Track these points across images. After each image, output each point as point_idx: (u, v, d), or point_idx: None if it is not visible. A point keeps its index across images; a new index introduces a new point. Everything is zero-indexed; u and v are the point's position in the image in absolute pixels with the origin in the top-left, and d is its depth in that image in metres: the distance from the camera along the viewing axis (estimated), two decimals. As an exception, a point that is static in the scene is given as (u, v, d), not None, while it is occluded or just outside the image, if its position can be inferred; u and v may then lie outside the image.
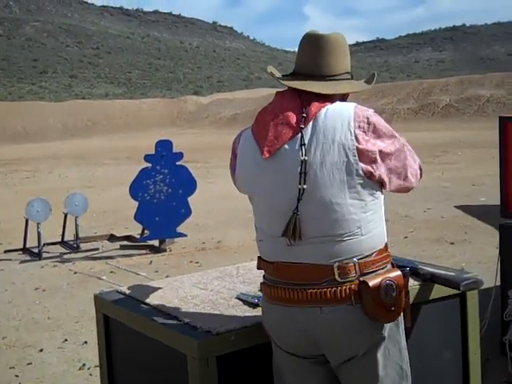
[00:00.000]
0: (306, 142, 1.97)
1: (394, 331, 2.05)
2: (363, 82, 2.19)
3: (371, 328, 1.99)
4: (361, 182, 1.96)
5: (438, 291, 2.50)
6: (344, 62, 2.11)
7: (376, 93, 48.87)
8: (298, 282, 1.99)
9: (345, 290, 1.95)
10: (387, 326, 2.02)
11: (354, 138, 1.94)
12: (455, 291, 2.47)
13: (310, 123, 1.99)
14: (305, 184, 1.95)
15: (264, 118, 2.07)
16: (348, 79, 2.12)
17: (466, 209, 10.12)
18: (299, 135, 1.98)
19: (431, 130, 33.95)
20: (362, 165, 1.94)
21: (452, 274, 2.53)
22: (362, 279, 1.96)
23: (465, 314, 2.60)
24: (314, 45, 2.07)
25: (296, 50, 2.18)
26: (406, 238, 8.34)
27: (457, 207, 10.32)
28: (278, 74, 2.15)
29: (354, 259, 1.97)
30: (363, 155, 1.95)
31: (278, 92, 2.13)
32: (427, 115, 43.11)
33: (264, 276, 2.14)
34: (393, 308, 1.97)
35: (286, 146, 1.99)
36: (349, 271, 1.96)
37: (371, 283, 1.94)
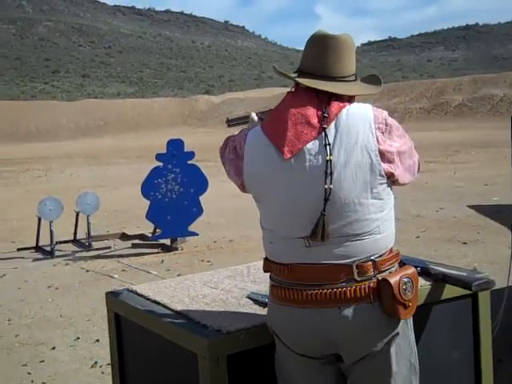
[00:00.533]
0: (331, 142, 1.97)
1: (405, 327, 2.07)
2: (372, 85, 2.18)
3: (388, 325, 2.01)
4: (382, 181, 2.00)
5: (450, 291, 2.48)
6: (352, 63, 2.12)
7: (388, 92, 48.70)
8: (314, 283, 1.98)
9: (364, 288, 1.97)
10: (401, 322, 2.04)
11: (375, 139, 1.98)
12: (467, 291, 2.45)
13: (332, 123, 1.99)
14: (331, 184, 1.95)
15: (279, 117, 2.05)
16: (354, 81, 2.12)
17: (478, 209, 10.07)
18: (322, 135, 1.98)
19: (444, 129, 33.82)
20: (383, 165, 1.99)
21: (464, 274, 2.51)
22: (380, 277, 1.99)
23: (477, 315, 2.58)
24: (324, 45, 2.06)
25: None
26: (417, 237, 8.31)
27: (469, 207, 10.27)
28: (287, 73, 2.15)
29: (372, 258, 2.00)
30: (384, 156, 1.99)
31: (289, 92, 2.12)
32: (440, 115, 42.95)
33: (272, 278, 2.12)
34: (410, 304, 2.00)
35: (308, 146, 1.98)
36: (367, 270, 1.98)
37: (392, 281, 1.96)
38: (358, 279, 1.97)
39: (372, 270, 1.99)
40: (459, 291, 2.47)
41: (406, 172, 2.06)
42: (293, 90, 2.12)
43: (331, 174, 1.95)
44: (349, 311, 1.97)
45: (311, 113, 2.01)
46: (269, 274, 2.16)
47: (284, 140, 2.00)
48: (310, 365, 2.08)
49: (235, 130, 2.37)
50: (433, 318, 2.45)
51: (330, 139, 1.97)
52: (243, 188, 2.15)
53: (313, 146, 1.98)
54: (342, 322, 1.97)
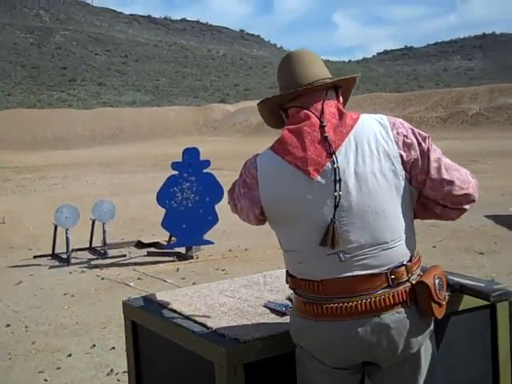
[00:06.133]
0: (352, 155, 1.98)
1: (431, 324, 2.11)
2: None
3: (424, 326, 2.04)
4: (406, 186, 2.02)
5: (468, 302, 2.47)
6: (321, 67, 2.17)
7: (404, 101, 48.62)
8: (352, 295, 1.98)
9: (400, 293, 1.99)
10: (432, 321, 2.07)
11: (395, 145, 2.01)
12: (485, 302, 2.44)
13: (351, 137, 2.01)
14: (340, 191, 1.96)
15: (292, 138, 2.05)
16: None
17: (495, 219, 10.01)
18: (343, 149, 1.99)
19: (460, 138, 33.68)
20: (406, 171, 2.01)
21: (481, 284, 2.50)
22: (414, 281, 2.01)
23: (495, 326, 2.56)
24: (291, 61, 2.15)
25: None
26: (434, 247, 8.26)
27: (486, 217, 10.20)
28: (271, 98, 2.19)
29: (404, 262, 2.02)
30: (405, 162, 2.01)
31: (293, 112, 2.12)
32: (456, 124, 42.81)
33: (301, 295, 2.08)
34: (444, 303, 2.04)
35: (330, 162, 1.99)
36: (402, 275, 2.00)
37: (428, 282, 1.99)
38: (394, 285, 1.99)
39: (405, 274, 2.01)
40: (477, 302, 2.46)
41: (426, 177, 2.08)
42: (295, 109, 2.13)
43: (339, 181, 1.96)
44: (389, 318, 1.97)
45: (319, 128, 2.03)
46: (294, 290, 2.12)
47: (306, 160, 2.00)
48: (341, 376, 2.08)
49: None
50: (451, 328, 2.44)
51: (351, 151, 1.98)
52: (261, 216, 2.12)
53: (332, 162, 1.99)
54: (384, 329, 1.97)
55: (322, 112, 2.06)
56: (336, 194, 1.96)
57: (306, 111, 2.08)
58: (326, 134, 2.00)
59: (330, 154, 1.99)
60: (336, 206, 1.96)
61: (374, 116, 2.08)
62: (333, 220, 1.96)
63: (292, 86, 2.11)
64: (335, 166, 1.96)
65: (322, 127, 2.02)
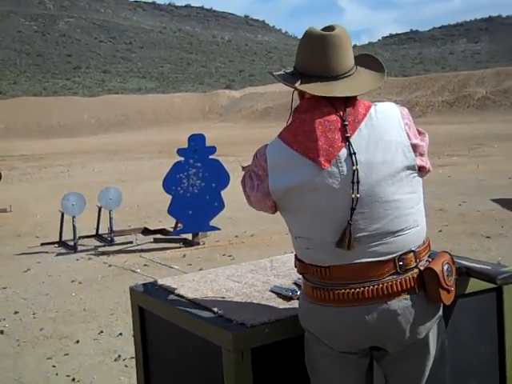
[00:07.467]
0: (364, 144, 1.97)
1: (441, 311, 2.11)
2: (375, 72, 2.13)
3: (432, 313, 2.05)
4: (416, 175, 2.03)
5: (474, 285, 2.46)
6: (352, 55, 2.09)
7: (410, 85, 48.43)
8: (360, 281, 1.98)
9: (408, 280, 1.99)
10: (441, 307, 2.08)
11: (406, 135, 2.01)
12: (491, 285, 2.44)
13: (363, 125, 1.99)
14: (358, 193, 1.94)
15: (303, 127, 2.02)
16: (356, 71, 2.09)
17: (502, 202, 9.97)
18: (355, 138, 1.98)
19: (467, 122, 33.53)
20: (417, 160, 2.02)
21: (488, 267, 2.49)
22: (422, 267, 2.01)
23: (501, 308, 2.56)
24: (324, 45, 2.02)
25: None
26: (440, 231, 8.25)
27: (493, 200, 10.17)
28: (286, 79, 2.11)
29: (413, 249, 2.02)
30: (416, 151, 2.03)
31: (306, 99, 2.08)
32: (463, 108, 42.58)
33: (309, 280, 2.09)
34: (452, 289, 2.04)
35: (341, 153, 1.97)
36: (410, 261, 2.00)
37: (436, 268, 1.99)
38: (402, 272, 1.99)
39: (414, 260, 2.01)
40: (484, 285, 2.46)
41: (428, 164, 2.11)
42: (292, 90, 2.10)
43: (358, 183, 1.94)
44: (396, 304, 1.98)
45: (336, 117, 2.00)
46: (302, 274, 2.13)
47: (317, 150, 1.98)
48: (349, 360, 2.09)
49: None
50: (457, 311, 2.44)
51: (363, 142, 1.97)
52: (275, 207, 2.11)
53: (346, 151, 1.97)
54: (391, 316, 1.98)
55: (339, 100, 2.02)
56: (353, 196, 1.94)
57: (320, 99, 2.03)
58: (346, 123, 1.98)
59: (342, 143, 1.97)
60: (353, 209, 1.94)
61: (386, 104, 2.07)
62: (349, 223, 1.95)
63: (326, 74, 2.03)
64: (354, 167, 1.94)
65: (340, 118, 1.99)
